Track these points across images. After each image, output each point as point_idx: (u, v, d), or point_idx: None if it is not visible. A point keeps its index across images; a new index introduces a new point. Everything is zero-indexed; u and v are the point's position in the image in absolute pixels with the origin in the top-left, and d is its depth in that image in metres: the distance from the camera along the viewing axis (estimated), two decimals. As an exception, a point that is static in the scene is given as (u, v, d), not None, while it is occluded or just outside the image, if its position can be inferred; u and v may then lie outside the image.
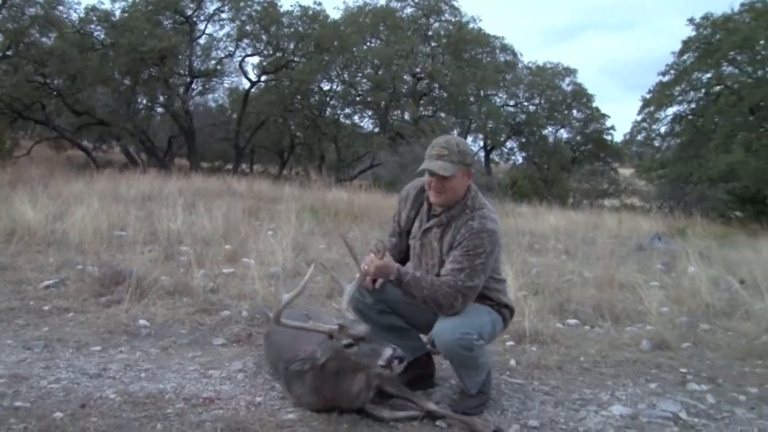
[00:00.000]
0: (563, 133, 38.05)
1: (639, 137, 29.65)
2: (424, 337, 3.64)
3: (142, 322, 4.67)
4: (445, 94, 33.24)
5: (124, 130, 26.37)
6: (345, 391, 3.08)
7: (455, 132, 33.63)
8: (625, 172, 36.22)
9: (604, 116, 36.90)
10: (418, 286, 3.18)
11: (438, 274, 3.27)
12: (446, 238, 3.31)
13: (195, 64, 29.27)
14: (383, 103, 31.88)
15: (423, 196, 3.48)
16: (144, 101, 29.62)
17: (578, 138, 37.58)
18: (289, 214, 9.46)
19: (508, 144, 37.93)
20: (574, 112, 37.40)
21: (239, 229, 8.65)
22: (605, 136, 36.89)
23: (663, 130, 28.67)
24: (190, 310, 5.06)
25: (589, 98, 36.81)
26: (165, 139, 30.70)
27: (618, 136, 37.40)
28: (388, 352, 2.87)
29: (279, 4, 29.28)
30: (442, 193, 3.28)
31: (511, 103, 36.71)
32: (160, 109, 30.53)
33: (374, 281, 3.31)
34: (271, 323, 3.16)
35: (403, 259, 3.59)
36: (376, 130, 33.11)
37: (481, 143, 36.18)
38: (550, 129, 37.39)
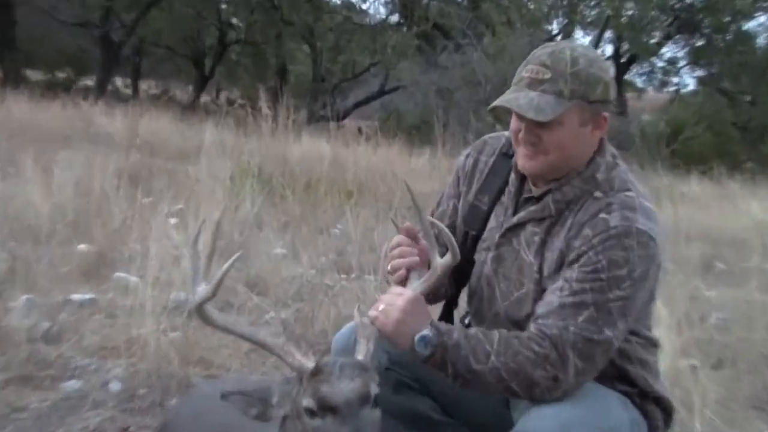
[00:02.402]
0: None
1: None
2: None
3: None
4: (536, -51, 33.36)
5: None
6: None
7: (554, 28, 33.72)
8: None
9: None
10: (478, 350, 3.07)
11: (529, 316, 3.18)
12: (553, 243, 3.23)
13: None
14: (410, -37, 32.01)
15: (508, 166, 3.46)
16: None
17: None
18: (213, 183, 9.46)
19: (667, 52, 38.15)
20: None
21: (109, 212, 8.71)
22: None
23: None
24: (-2, 378, 5.05)
25: None
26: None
27: None
28: None
29: None
30: (539, 153, 3.21)
31: (678, -32, 36.66)
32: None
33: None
34: (171, 408, 3.12)
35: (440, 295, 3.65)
36: (394, 19, 33.31)
37: (610, 51, 36.25)
38: (761, 19, 37.35)
